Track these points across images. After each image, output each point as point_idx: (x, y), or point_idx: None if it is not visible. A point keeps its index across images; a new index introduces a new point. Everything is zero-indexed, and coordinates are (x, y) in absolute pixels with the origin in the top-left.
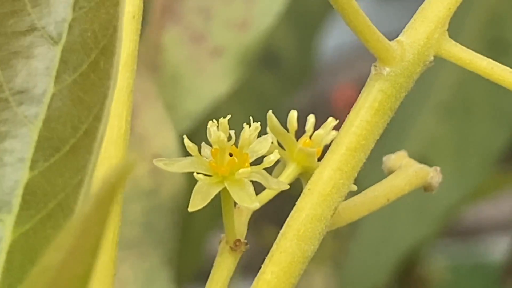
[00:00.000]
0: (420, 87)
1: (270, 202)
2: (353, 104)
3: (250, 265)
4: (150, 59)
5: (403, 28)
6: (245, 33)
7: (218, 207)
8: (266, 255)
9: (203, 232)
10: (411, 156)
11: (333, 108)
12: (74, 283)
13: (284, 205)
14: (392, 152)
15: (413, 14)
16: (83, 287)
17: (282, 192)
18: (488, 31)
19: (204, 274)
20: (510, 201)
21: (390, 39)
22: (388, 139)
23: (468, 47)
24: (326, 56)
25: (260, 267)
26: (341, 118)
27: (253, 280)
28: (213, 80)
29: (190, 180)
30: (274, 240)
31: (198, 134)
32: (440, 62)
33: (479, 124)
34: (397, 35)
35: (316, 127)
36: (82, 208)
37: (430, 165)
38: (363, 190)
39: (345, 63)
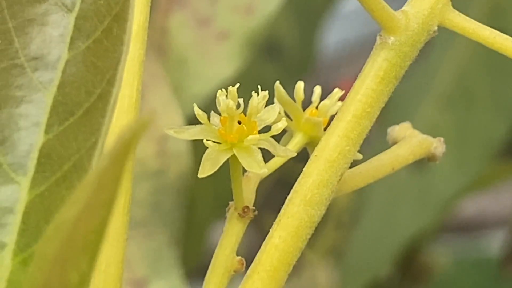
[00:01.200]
0: (421, 77)
1: (271, 191)
2: None
3: (251, 255)
4: (156, 42)
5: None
6: (250, 17)
7: (220, 198)
8: None
9: (205, 224)
10: None
11: None
12: (90, 237)
13: (285, 194)
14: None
15: None
16: (98, 241)
17: (283, 181)
18: (491, 22)
19: (206, 262)
20: (510, 194)
21: None
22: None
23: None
24: (328, 51)
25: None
26: None
27: None
28: (219, 64)
29: (197, 160)
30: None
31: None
32: (441, 52)
33: (480, 115)
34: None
35: None
36: (97, 164)
37: None
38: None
39: (347, 58)
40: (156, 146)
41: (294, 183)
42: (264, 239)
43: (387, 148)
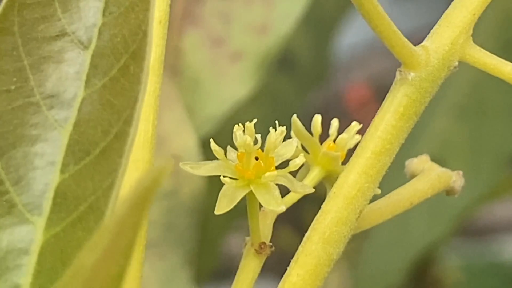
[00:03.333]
0: None
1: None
2: (366, 103)
3: (265, 265)
4: (170, 63)
5: (418, 26)
6: (264, 37)
7: (234, 208)
8: (281, 256)
9: (219, 233)
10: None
11: (347, 107)
12: (108, 283)
13: (300, 205)
14: (408, 153)
15: (427, 13)
16: (117, 287)
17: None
18: (503, 33)
19: (219, 275)
20: None
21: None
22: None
23: (482, 48)
24: (340, 55)
25: (276, 267)
26: (355, 117)
27: (269, 280)
28: (233, 84)
29: (210, 181)
30: (289, 240)
31: (218, 138)
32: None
33: (494, 125)
34: (412, 34)
35: (328, 126)
36: (116, 210)
37: (444, 166)
38: (385, 193)
39: (358, 62)
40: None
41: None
42: (279, 249)
43: (403, 173)
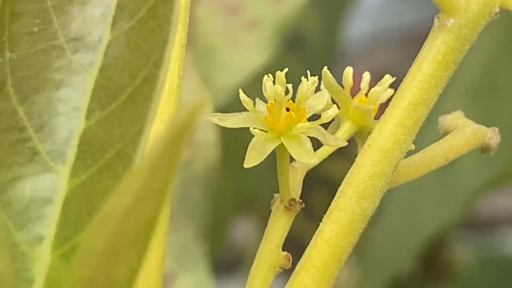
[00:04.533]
0: None
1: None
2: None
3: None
4: None
5: (420, 19)
6: (280, 6)
7: (241, 194)
8: (293, 243)
9: (227, 220)
10: (437, 139)
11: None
12: (141, 229)
13: (311, 191)
14: (422, 134)
15: (427, 7)
16: (149, 234)
17: (310, 177)
18: None
19: (227, 263)
20: None
21: (407, 32)
22: None
23: None
24: (353, 43)
25: (286, 248)
26: None
27: None
28: (248, 53)
29: (225, 151)
30: (299, 224)
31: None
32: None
33: (506, 109)
34: (413, 27)
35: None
36: (149, 149)
37: None
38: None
39: (362, 54)
40: None
41: (321, 177)
42: (290, 236)
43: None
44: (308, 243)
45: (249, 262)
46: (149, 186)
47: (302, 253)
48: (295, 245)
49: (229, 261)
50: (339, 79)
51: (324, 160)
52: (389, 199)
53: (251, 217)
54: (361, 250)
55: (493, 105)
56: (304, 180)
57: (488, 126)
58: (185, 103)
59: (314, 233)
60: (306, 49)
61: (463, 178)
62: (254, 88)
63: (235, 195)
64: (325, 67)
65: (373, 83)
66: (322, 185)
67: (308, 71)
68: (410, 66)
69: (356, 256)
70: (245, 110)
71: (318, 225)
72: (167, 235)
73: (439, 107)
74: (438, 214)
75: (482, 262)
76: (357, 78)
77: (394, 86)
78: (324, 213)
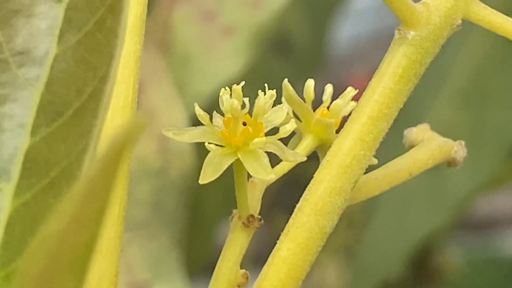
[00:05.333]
0: (436, 74)
1: (282, 190)
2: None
3: (261, 255)
4: (160, 38)
5: None
6: (258, 11)
7: (230, 195)
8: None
9: (214, 221)
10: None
11: None
12: (77, 252)
13: (297, 193)
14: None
15: None
16: (87, 257)
17: (295, 179)
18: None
19: (212, 263)
20: None
21: None
22: (402, 126)
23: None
24: (340, 47)
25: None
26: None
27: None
28: (225, 60)
29: (201, 158)
30: (282, 226)
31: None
32: (456, 48)
33: (496, 113)
34: None
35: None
36: (86, 171)
37: None
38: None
39: (359, 54)
40: (157, 143)
41: (304, 180)
42: (275, 238)
43: (402, 149)
44: None
45: None
46: (85, 208)
47: None
48: None
49: (214, 265)
50: (326, 82)
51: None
52: (379, 203)
53: None
54: (351, 254)
55: (483, 109)
56: (288, 183)
57: (478, 131)
58: (122, 125)
59: None
60: (294, 52)
61: (452, 182)
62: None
63: (223, 196)
64: (285, 80)
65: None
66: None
67: (266, 85)
68: None
69: (345, 259)
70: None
71: None
72: (120, 252)
73: (430, 111)
74: (428, 218)
75: (474, 264)
76: (355, 79)
77: None
78: None
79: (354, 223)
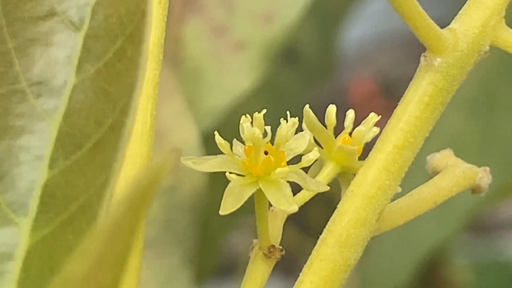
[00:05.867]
0: None
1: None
2: (371, 98)
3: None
4: (170, 53)
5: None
6: (269, 26)
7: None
8: (286, 254)
9: (222, 231)
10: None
11: (351, 101)
12: None
13: (307, 203)
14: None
15: (434, 9)
16: None
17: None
18: None
19: (221, 273)
20: None
21: (410, 33)
22: None
23: None
24: (346, 50)
25: (281, 266)
26: (359, 112)
27: (274, 280)
28: (236, 75)
29: (212, 176)
30: (295, 239)
31: (220, 132)
32: None
33: (504, 121)
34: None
35: (337, 119)
36: (111, 212)
37: None
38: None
39: (364, 57)
40: None
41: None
42: (284, 248)
43: (418, 169)
44: (305, 260)
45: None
46: (110, 250)
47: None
48: (292, 261)
49: (222, 273)
50: (336, 91)
51: None
52: None
53: (248, 230)
54: (360, 263)
55: (492, 118)
56: None
57: (487, 140)
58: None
59: (311, 248)
60: (302, 60)
61: (462, 192)
62: (247, 107)
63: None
64: (307, 106)
65: (376, 86)
66: (318, 200)
67: (288, 113)
68: (413, 69)
69: (354, 269)
70: (232, 134)
71: (315, 241)
72: (139, 284)
73: (439, 121)
74: (436, 228)
75: (479, 268)
76: (360, 82)
77: (393, 91)
78: (321, 230)
79: None
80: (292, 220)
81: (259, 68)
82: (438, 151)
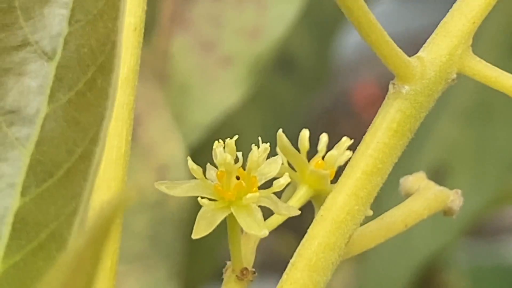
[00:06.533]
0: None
1: None
2: (374, 102)
3: (265, 264)
4: (158, 68)
5: (423, 26)
6: (256, 42)
7: None
8: (282, 260)
9: (213, 244)
10: (430, 161)
11: (354, 106)
12: None
13: (305, 208)
14: (414, 158)
15: (434, 12)
16: None
17: None
18: (508, 38)
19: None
20: None
21: (411, 38)
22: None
23: (487, 54)
24: (347, 54)
25: (276, 269)
26: (362, 116)
27: (268, 280)
28: (223, 90)
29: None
30: (290, 244)
31: (208, 146)
32: None
33: (500, 130)
34: (417, 34)
35: (338, 127)
36: (74, 243)
37: (450, 171)
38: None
39: (366, 61)
40: (155, 175)
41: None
42: (280, 253)
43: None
44: None
45: None
46: (74, 280)
47: None
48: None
49: (217, 282)
50: (340, 96)
51: None
52: None
53: None
54: (357, 269)
55: (488, 127)
56: None
57: (483, 149)
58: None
59: None
60: (297, 68)
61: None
62: (245, 117)
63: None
64: (280, 130)
65: (380, 90)
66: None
67: (259, 138)
68: None
69: (352, 275)
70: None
71: None
72: None
73: (435, 130)
74: (433, 235)
75: (479, 272)
76: (364, 86)
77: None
78: None
79: None
80: (289, 227)
81: (247, 83)
82: (435, 160)
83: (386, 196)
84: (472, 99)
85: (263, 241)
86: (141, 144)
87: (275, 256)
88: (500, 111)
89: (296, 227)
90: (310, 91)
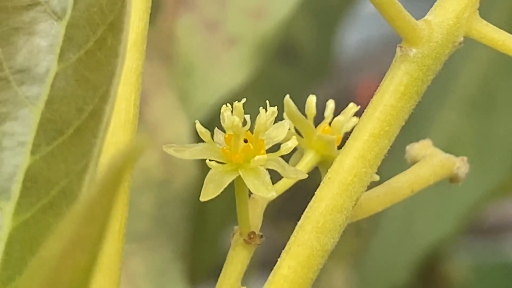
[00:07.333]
0: (443, 81)
1: (291, 197)
2: None
3: (269, 261)
4: (163, 48)
5: None
6: (261, 22)
7: (234, 200)
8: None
9: (218, 227)
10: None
11: (358, 102)
12: (76, 274)
13: (306, 200)
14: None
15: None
16: (85, 279)
17: (303, 187)
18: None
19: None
20: None
21: None
22: (409, 134)
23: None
24: (351, 50)
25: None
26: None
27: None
28: (228, 70)
29: (204, 170)
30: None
31: (212, 126)
32: (464, 56)
33: (503, 120)
34: None
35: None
36: (85, 194)
37: None
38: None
39: (370, 58)
40: (160, 155)
41: (312, 186)
42: (284, 245)
43: (404, 162)
44: None
45: None
46: (84, 231)
47: None
48: None
49: (219, 269)
50: (344, 91)
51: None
52: (386, 211)
53: None
54: (358, 261)
55: (491, 116)
56: (296, 188)
57: (485, 138)
58: (122, 146)
59: None
60: (301, 59)
61: (460, 189)
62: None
63: (227, 203)
64: (287, 96)
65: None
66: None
67: (267, 102)
68: None
69: (352, 267)
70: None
71: None
72: (120, 269)
73: (438, 119)
74: (435, 226)
75: (481, 270)
76: (367, 82)
77: None
78: None
79: (361, 230)
80: (290, 214)
81: (251, 63)
82: (437, 148)
83: (390, 168)
84: (476, 88)
85: (265, 237)
86: (146, 122)
87: (277, 253)
88: (503, 100)
89: (299, 216)
90: (313, 81)
